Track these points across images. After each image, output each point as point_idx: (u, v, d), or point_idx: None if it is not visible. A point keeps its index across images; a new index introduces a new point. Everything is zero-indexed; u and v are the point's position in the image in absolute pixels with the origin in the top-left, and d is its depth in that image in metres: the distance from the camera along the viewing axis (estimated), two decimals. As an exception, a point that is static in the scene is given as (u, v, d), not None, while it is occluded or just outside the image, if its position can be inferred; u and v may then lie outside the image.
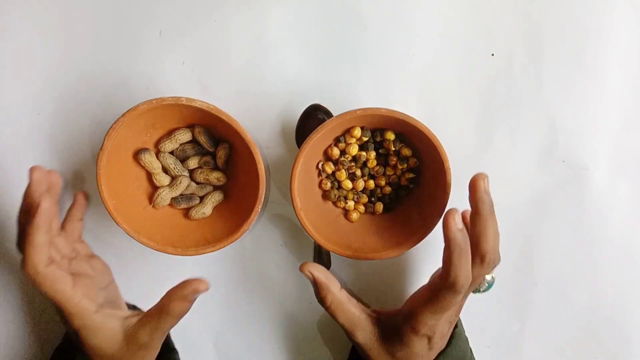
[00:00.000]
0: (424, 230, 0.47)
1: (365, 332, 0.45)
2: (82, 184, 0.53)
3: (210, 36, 0.52)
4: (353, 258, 0.48)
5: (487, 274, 0.45)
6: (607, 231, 0.53)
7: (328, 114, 0.51)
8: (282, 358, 0.55)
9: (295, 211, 0.47)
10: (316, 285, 0.45)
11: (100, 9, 0.52)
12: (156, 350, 0.45)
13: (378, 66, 0.52)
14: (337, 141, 0.49)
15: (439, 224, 0.47)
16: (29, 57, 0.52)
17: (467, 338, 0.49)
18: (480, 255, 0.42)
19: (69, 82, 0.52)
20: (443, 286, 0.40)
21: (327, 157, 0.50)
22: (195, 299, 0.43)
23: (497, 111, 0.52)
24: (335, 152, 0.49)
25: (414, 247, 0.47)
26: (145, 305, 0.54)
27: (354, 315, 0.45)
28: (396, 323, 0.45)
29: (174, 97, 0.44)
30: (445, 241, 0.40)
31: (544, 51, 0.52)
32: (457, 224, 0.39)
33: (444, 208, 0.46)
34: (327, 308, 0.45)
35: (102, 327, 0.43)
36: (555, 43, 0.52)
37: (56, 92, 0.52)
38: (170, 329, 0.44)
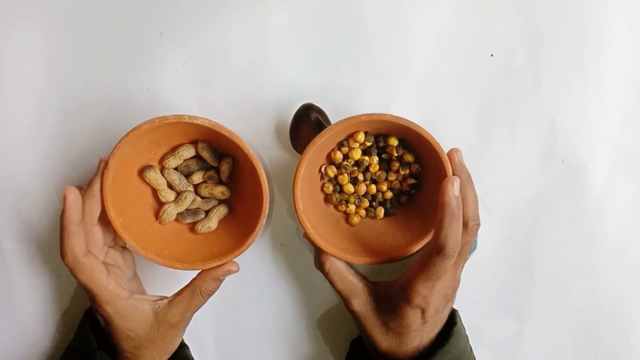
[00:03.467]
0: (425, 236, 0.47)
1: (361, 301, 0.47)
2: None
3: (211, 37, 0.52)
4: (353, 262, 0.48)
5: (472, 239, 0.47)
6: (606, 231, 0.53)
7: (321, 113, 0.51)
8: (282, 357, 0.56)
9: (297, 214, 0.47)
10: (317, 250, 0.47)
11: (100, 9, 0.52)
12: (184, 329, 0.49)
13: (378, 67, 0.52)
14: (340, 145, 0.49)
15: None
16: (30, 57, 0.52)
17: (467, 336, 0.49)
18: (464, 222, 0.44)
19: (69, 82, 0.52)
20: (433, 251, 0.42)
21: (330, 161, 0.50)
22: (224, 279, 0.47)
23: (497, 111, 0.52)
24: (339, 156, 0.49)
25: (414, 252, 0.47)
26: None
27: (351, 282, 0.47)
28: (391, 293, 0.46)
29: (176, 115, 0.45)
30: (439, 206, 0.42)
31: (543, 51, 0.52)
32: (455, 191, 0.42)
33: None
34: (325, 274, 0.48)
35: (135, 310, 0.46)
36: (554, 43, 0.52)
37: (57, 92, 0.52)
38: (199, 308, 0.47)
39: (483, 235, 0.54)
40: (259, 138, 0.53)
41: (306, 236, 0.47)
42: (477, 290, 0.55)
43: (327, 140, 0.46)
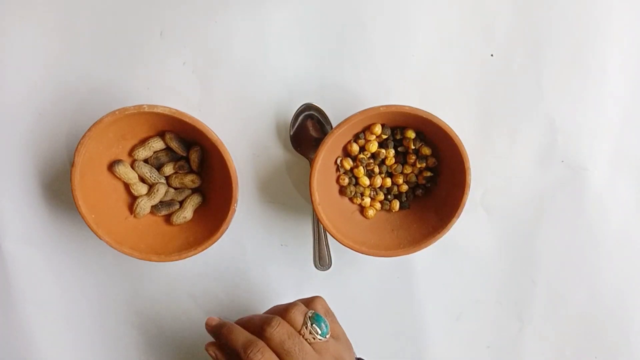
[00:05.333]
0: (441, 229, 0.47)
1: None
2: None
3: (211, 37, 0.52)
4: (369, 255, 0.48)
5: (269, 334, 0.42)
6: (606, 231, 0.53)
7: (321, 113, 0.51)
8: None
9: (313, 205, 0.47)
10: None
11: (101, 9, 0.52)
12: None
13: (378, 67, 0.52)
14: (356, 137, 0.49)
15: (456, 224, 0.48)
16: (30, 57, 0.52)
17: None
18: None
19: (69, 82, 0.52)
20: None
21: (346, 153, 0.50)
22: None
23: (497, 111, 0.52)
24: (355, 148, 0.49)
25: (430, 246, 0.48)
26: (138, 316, 0.54)
27: None
28: None
29: (136, 105, 0.45)
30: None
31: (543, 51, 0.52)
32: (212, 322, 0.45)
33: (462, 207, 0.47)
34: None
35: None
36: (554, 43, 0.52)
37: (57, 92, 0.52)
38: None
39: (483, 235, 0.54)
40: (259, 138, 0.53)
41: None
42: (477, 290, 0.55)
43: (343, 132, 0.47)
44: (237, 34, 0.52)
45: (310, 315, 0.43)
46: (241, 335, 0.42)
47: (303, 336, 0.42)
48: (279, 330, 0.41)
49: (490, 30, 0.52)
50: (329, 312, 0.46)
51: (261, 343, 0.41)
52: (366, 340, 0.55)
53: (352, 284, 0.55)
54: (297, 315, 0.43)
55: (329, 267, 0.53)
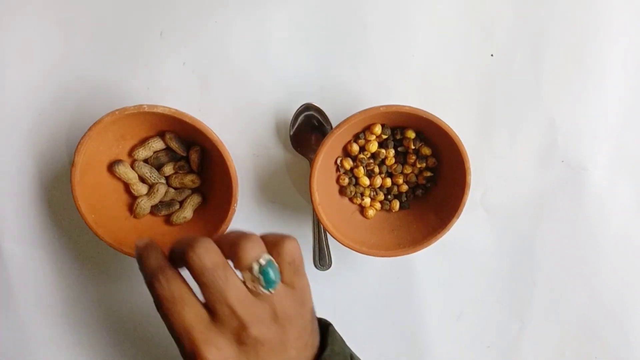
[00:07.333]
0: (440, 229, 0.47)
1: None
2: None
3: (211, 37, 0.52)
4: (369, 255, 0.48)
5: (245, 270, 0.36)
6: (606, 231, 0.53)
7: (321, 113, 0.51)
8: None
9: (313, 205, 0.47)
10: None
11: (101, 9, 0.52)
12: None
13: (377, 67, 0.52)
14: (356, 137, 0.50)
15: (456, 224, 0.48)
16: (29, 57, 0.52)
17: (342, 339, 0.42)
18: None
19: (69, 82, 0.52)
20: None
21: (346, 153, 0.51)
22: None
23: (497, 111, 0.52)
24: (355, 148, 0.49)
25: (430, 245, 0.48)
26: (138, 317, 0.54)
27: None
28: None
29: (136, 105, 0.45)
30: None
31: (543, 51, 0.52)
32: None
33: (462, 207, 0.47)
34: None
35: None
36: (554, 43, 0.52)
37: (57, 91, 0.52)
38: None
39: (484, 235, 0.54)
40: (259, 138, 0.53)
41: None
42: (477, 290, 0.55)
43: (343, 132, 0.47)
44: (237, 34, 0.52)
45: (262, 261, 0.35)
46: (155, 260, 0.36)
47: (244, 282, 0.35)
48: (200, 256, 0.34)
49: (490, 30, 0.52)
50: (294, 261, 0.37)
51: (170, 272, 0.35)
52: (366, 340, 0.55)
53: (352, 284, 0.55)
54: (247, 253, 0.35)
55: (329, 267, 0.53)
